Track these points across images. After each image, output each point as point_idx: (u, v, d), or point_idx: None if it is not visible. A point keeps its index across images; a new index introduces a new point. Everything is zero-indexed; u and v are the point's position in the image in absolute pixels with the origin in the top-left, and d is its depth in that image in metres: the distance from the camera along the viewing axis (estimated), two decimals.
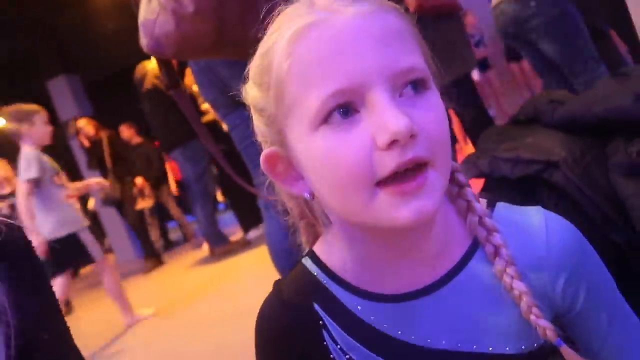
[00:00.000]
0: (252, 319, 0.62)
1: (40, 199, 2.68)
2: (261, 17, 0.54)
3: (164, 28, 1.15)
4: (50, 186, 2.71)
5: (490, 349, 0.54)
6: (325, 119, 0.47)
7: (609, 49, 2.58)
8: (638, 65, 1.99)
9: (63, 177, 2.81)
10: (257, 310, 0.61)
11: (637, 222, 0.96)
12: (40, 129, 2.72)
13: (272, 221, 1.52)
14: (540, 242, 0.55)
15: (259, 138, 0.58)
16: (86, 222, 2.84)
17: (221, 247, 4.03)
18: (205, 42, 1.16)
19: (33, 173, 2.63)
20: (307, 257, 0.60)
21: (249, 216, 4.13)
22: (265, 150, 0.55)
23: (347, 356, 0.57)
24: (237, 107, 1.45)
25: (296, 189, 0.55)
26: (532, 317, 0.52)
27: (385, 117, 0.45)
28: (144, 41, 1.15)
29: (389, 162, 0.46)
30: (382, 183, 0.47)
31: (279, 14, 0.52)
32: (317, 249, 0.60)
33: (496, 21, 2.29)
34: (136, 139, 5.36)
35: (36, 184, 2.66)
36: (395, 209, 0.47)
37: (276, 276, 0.74)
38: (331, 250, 0.59)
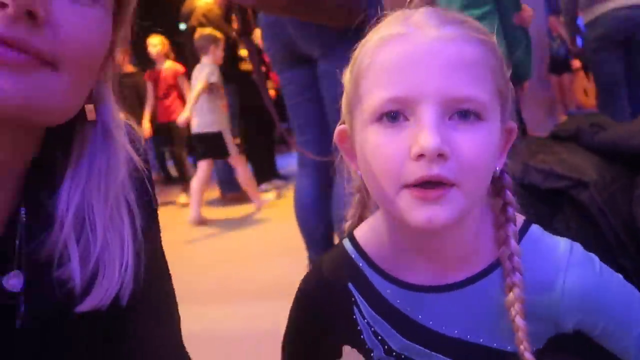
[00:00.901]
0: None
1: (207, 100, 3.51)
2: None
3: None
4: (216, 93, 3.57)
5: (495, 345, 0.62)
6: (379, 118, 0.54)
7: None
8: None
9: (222, 90, 3.63)
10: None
11: None
12: (220, 52, 3.63)
13: (304, 179, 1.60)
14: (558, 283, 0.59)
15: (343, 112, 0.64)
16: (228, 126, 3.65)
17: (233, 194, 4.14)
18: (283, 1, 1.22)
19: (214, 79, 3.49)
20: (347, 239, 0.67)
21: (263, 170, 4.30)
22: (340, 126, 0.62)
23: (372, 329, 0.65)
24: (293, 66, 1.50)
25: (355, 166, 0.62)
26: (521, 348, 0.58)
27: (422, 132, 0.51)
28: None
29: (415, 172, 0.51)
30: (409, 185, 0.53)
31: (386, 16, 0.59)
32: (358, 233, 0.67)
33: (607, 26, 2.44)
34: (129, 68, 4.78)
35: (210, 88, 3.47)
36: (412, 210, 0.53)
37: None
38: (371, 237, 0.66)
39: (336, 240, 1.55)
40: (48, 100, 0.42)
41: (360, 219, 0.70)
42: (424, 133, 0.50)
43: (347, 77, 0.61)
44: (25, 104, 0.41)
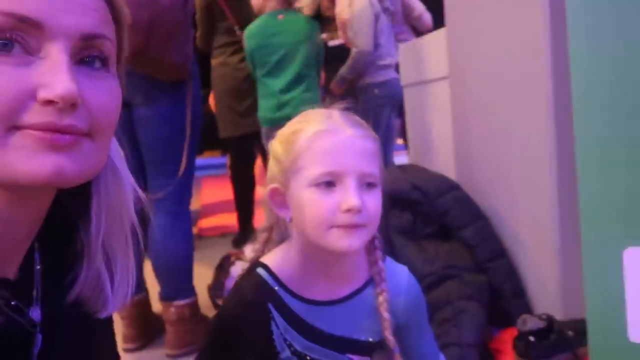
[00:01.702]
0: None
1: None
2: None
3: None
4: None
5: (366, 338, 0.90)
6: (316, 184, 0.77)
7: None
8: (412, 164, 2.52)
9: None
10: None
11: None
12: None
13: (161, 220, 1.62)
14: (403, 287, 0.89)
15: (269, 175, 0.86)
16: None
17: None
18: (130, 52, 1.37)
19: None
20: (260, 268, 0.87)
21: None
22: (272, 185, 0.84)
23: (283, 336, 0.85)
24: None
25: (283, 214, 0.84)
26: (386, 332, 0.88)
27: (349, 195, 0.76)
28: None
29: (343, 220, 0.76)
30: (336, 226, 0.76)
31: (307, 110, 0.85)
32: (269, 261, 0.87)
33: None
34: None
35: None
36: (338, 241, 0.77)
37: None
38: (282, 265, 0.87)
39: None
40: (90, 166, 0.48)
41: (262, 253, 0.91)
42: (350, 195, 0.76)
43: (278, 150, 0.83)
44: (78, 176, 0.47)
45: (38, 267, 0.54)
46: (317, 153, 0.79)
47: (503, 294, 1.50)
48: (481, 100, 1.68)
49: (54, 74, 0.44)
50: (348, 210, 0.76)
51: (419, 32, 3.01)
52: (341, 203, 0.76)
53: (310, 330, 0.86)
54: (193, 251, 1.72)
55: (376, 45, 2.61)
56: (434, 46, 2.13)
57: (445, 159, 2.06)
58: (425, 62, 2.28)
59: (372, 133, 0.85)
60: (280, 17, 2.33)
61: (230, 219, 3.30)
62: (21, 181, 0.44)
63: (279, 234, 0.91)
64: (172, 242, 1.62)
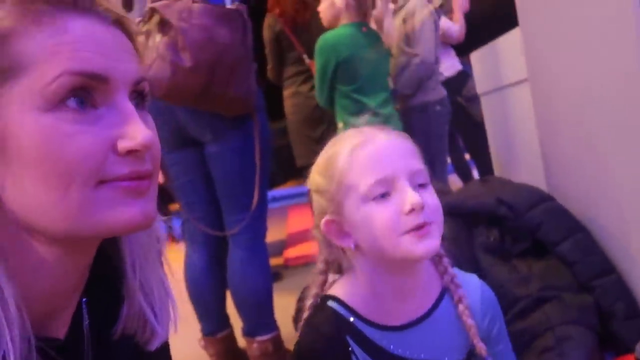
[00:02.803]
0: None
1: None
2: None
3: (159, 74, 1.32)
4: None
5: (449, 358, 0.85)
6: (372, 198, 0.76)
7: None
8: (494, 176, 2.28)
9: None
10: None
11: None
12: None
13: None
14: (477, 296, 0.87)
15: (316, 210, 0.84)
16: None
17: None
18: (194, 93, 1.38)
19: None
20: (332, 301, 0.84)
21: None
22: (325, 217, 0.81)
23: None
24: (180, 148, 1.60)
25: (344, 243, 0.81)
26: (475, 341, 0.83)
27: (408, 195, 0.75)
28: None
29: (410, 222, 0.75)
30: (405, 233, 0.75)
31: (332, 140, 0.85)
32: (339, 293, 0.85)
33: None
34: None
35: None
36: (414, 247, 0.75)
37: None
38: (353, 294, 0.84)
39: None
40: (156, 204, 0.50)
41: (317, 296, 0.88)
42: (410, 195, 0.74)
43: (319, 182, 0.82)
44: (156, 216, 0.49)
45: (87, 322, 0.55)
46: (361, 166, 0.77)
47: (615, 316, 1.31)
48: (570, 99, 1.51)
49: (129, 124, 0.46)
50: (412, 211, 0.74)
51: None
52: (403, 205, 0.74)
53: (392, 359, 0.82)
54: (272, 284, 1.71)
55: (436, 58, 2.50)
56: (509, 48, 1.99)
57: (533, 169, 1.89)
58: (501, 66, 2.14)
59: (405, 135, 0.84)
60: (364, 29, 2.20)
61: (316, 247, 3.27)
62: (116, 231, 0.46)
63: (335, 269, 0.87)
64: (250, 276, 1.61)
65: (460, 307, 0.83)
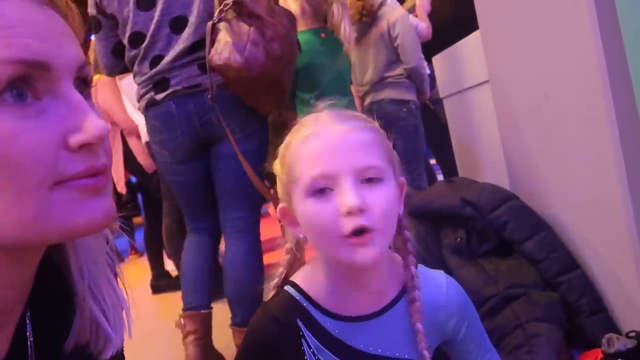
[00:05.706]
0: None
1: None
2: None
3: (255, 55, 1.46)
4: None
5: (406, 356, 0.82)
6: (312, 192, 0.71)
7: None
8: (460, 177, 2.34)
9: None
10: None
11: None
12: None
13: (233, 248, 1.71)
14: (442, 294, 0.82)
15: (280, 194, 0.81)
16: None
17: None
18: (271, 80, 1.52)
19: None
20: (288, 286, 0.83)
21: None
22: (280, 204, 0.79)
23: (316, 357, 0.80)
24: (191, 159, 1.65)
25: (296, 232, 0.79)
26: (420, 346, 0.80)
27: (345, 195, 0.69)
28: (234, 56, 1.43)
29: (347, 225, 0.69)
30: (345, 237, 0.69)
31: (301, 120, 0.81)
32: (297, 280, 0.83)
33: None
34: None
35: None
36: (352, 254, 0.70)
37: None
38: (311, 282, 0.82)
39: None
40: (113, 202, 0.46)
41: (287, 275, 0.89)
42: (347, 195, 0.69)
43: (278, 168, 0.79)
44: (116, 215, 0.46)
45: (31, 339, 0.50)
46: (307, 159, 0.73)
47: (580, 311, 1.33)
48: (529, 99, 1.54)
49: (79, 115, 0.42)
50: (349, 213, 0.68)
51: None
52: (340, 206, 0.69)
53: (346, 350, 0.80)
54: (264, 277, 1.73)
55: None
56: (470, 51, 2.02)
57: (496, 169, 1.92)
58: (462, 69, 2.17)
59: (372, 123, 0.77)
60: (323, 35, 2.15)
61: None
62: (77, 235, 0.43)
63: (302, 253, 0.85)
64: (246, 270, 1.66)
65: (411, 308, 0.79)
